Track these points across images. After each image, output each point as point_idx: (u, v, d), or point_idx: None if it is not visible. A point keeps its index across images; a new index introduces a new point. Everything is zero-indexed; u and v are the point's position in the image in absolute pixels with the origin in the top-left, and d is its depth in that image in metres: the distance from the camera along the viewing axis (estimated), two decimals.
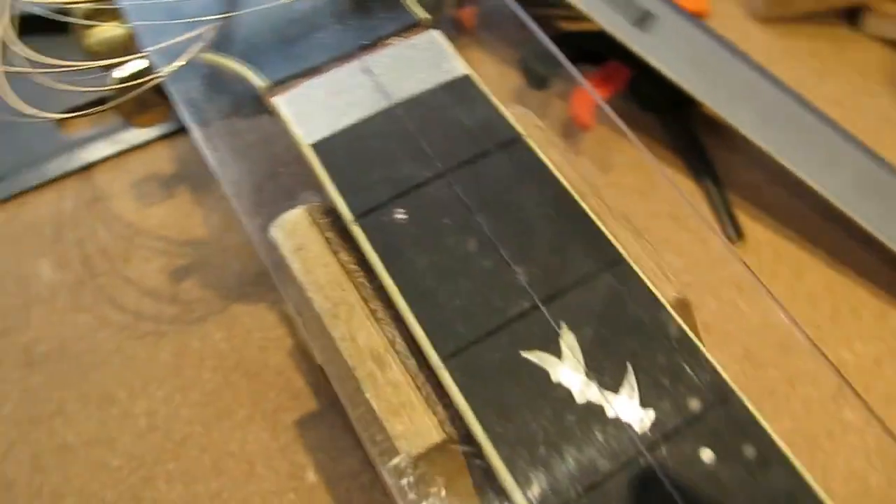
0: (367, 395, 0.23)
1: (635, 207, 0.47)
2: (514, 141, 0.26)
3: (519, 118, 0.28)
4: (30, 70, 0.29)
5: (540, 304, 0.23)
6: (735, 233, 0.46)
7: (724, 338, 0.44)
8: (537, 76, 0.46)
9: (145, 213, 0.44)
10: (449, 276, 0.23)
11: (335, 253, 0.25)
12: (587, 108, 0.46)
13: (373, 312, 0.24)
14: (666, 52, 0.44)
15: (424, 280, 0.23)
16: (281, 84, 0.27)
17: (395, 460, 0.22)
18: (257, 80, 0.27)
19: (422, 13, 0.29)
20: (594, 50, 0.48)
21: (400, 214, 0.24)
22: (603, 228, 0.24)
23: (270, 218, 0.26)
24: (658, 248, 0.46)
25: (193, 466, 0.38)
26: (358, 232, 0.24)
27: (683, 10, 0.46)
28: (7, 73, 0.30)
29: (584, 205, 0.25)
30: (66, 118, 0.33)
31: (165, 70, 0.28)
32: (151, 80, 0.28)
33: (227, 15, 0.29)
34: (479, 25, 0.52)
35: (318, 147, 0.26)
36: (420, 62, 0.28)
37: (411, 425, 0.22)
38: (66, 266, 0.42)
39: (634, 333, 0.22)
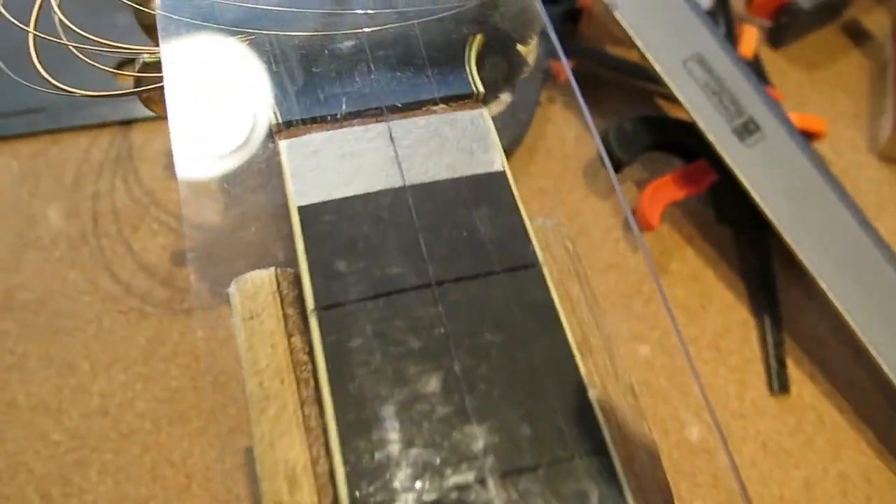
0: None
1: (678, 325, 0.42)
2: (527, 267, 0.22)
3: (547, 232, 0.24)
4: (61, 41, 0.27)
5: (489, 480, 0.19)
6: (779, 385, 0.41)
7: (728, 495, 0.40)
8: (614, 157, 0.42)
9: (168, 185, 0.42)
10: (396, 411, 0.20)
11: (289, 335, 0.22)
12: (657, 207, 0.42)
13: (305, 419, 0.21)
14: (760, 170, 0.39)
15: (366, 408, 0.20)
16: (293, 126, 0.24)
17: None
18: (270, 113, 0.24)
19: (479, 85, 0.26)
20: (685, 143, 0.43)
21: (366, 320, 0.21)
22: (596, 410, 0.21)
23: (229, 272, 0.23)
24: (688, 379, 0.42)
25: (131, 465, 0.36)
26: (314, 324, 0.21)
27: (794, 127, 0.41)
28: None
29: (582, 369, 0.21)
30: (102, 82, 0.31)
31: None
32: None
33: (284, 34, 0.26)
34: (573, 81, 0.48)
35: (307, 212, 0.22)
36: (454, 143, 0.24)
37: None
38: (75, 217, 0.41)
39: None
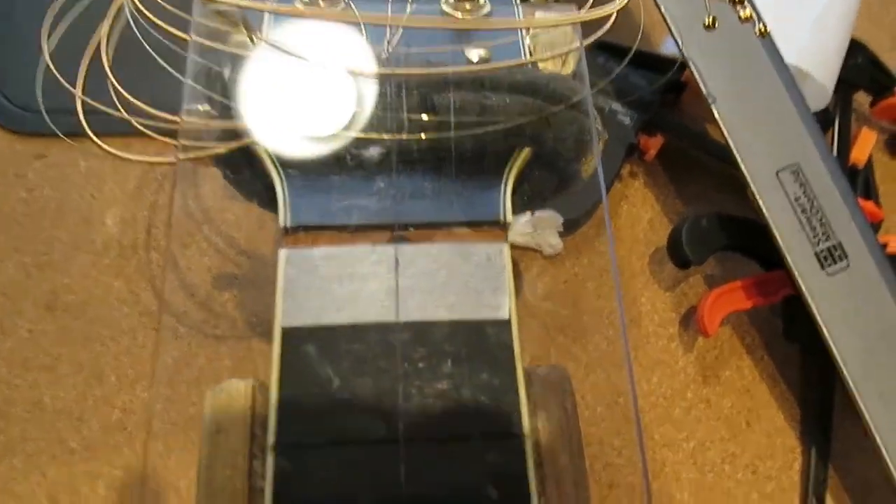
0: None
1: (715, 437, 0.40)
2: (509, 438, 0.21)
3: (547, 388, 0.22)
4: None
5: None
6: None
7: None
8: (682, 256, 0.39)
9: (225, 205, 0.42)
10: None
11: (253, 457, 0.21)
12: (718, 314, 0.39)
13: None
14: (837, 304, 0.36)
15: None
16: (301, 230, 0.23)
17: None
18: (281, 215, 0.23)
19: (509, 214, 0.24)
20: (764, 250, 0.40)
21: (323, 468, 0.20)
22: None
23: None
24: (717, 498, 0.39)
25: (138, 485, 0.37)
26: (269, 463, 0.20)
27: (887, 261, 0.37)
28: None
29: None
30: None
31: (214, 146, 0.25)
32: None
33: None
34: (659, 161, 0.45)
35: (290, 335, 0.21)
36: (462, 279, 0.23)
37: None
38: (130, 226, 0.41)
39: None
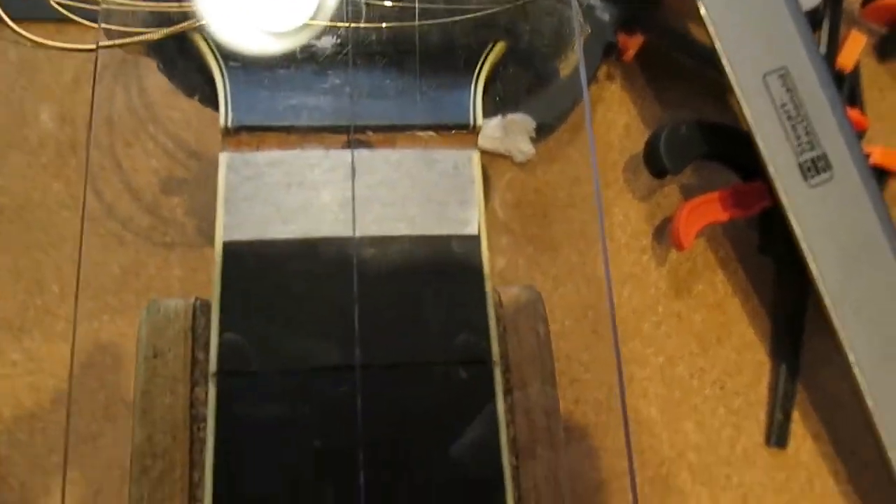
0: None
1: (684, 352, 0.39)
2: (476, 363, 0.19)
3: (519, 311, 0.21)
4: None
5: None
6: (778, 439, 0.38)
7: None
8: (659, 165, 0.37)
9: (172, 102, 0.39)
10: None
11: (194, 384, 0.19)
12: (693, 226, 0.37)
13: (192, 486, 0.19)
14: (817, 217, 0.34)
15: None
16: (244, 131, 0.20)
17: None
18: (221, 113, 0.21)
19: (479, 117, 0.21)
20: (744, 159, 0.38)
21: (269, 398, 0.18)
22: None
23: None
24: (683, 414, 0.38)
25: (85, 398, 0.35)
26: (211, 392, 0.18)
27: (871, 174, 0.35)
28: None
29: (510, 495, 0.18)
30: None
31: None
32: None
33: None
34: (638, 62, 0.43)
35: (232, 250, 0.19)
36: (427, 190, 0.20)
37: None
38: (69, 123, 0.38)
39: None
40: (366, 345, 0.19)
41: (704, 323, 0.40)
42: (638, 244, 0.40)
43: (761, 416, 0.39)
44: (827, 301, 0.34)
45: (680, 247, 0.38)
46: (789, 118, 0.35)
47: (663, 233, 0.40)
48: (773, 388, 0.39)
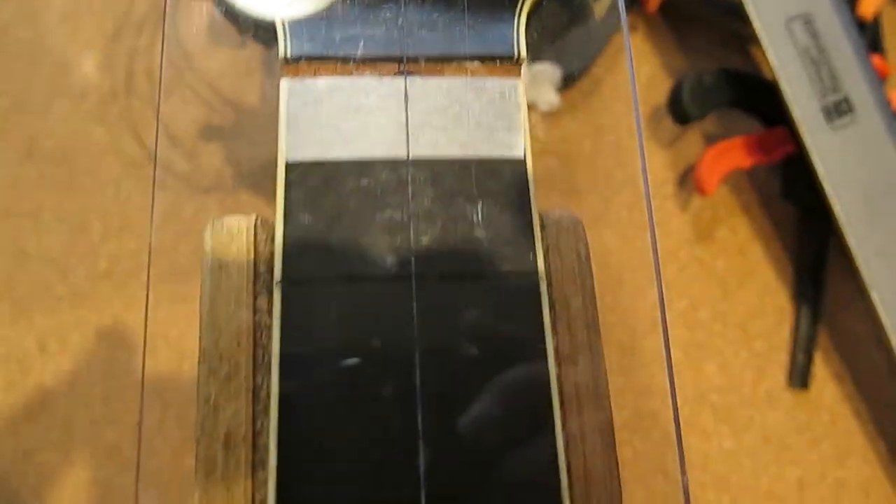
0: (196, 480, 0.19)
1: (707, 297, 0.40)
2: (523, 276, 0.20)
3: (560, 232, 0.22)
4: None
5: (422, 494, 0.18)
6: (800, 380, 0.39)
7: (716, 480, 0.39)
8: (682, 111, 0.38)
9: (210, 53, 0.40)
10: (342, 421, 0.19)
11: (256, 295, 0.21)
12: (717, 172, 0.38)
13: (255, 389, 0.20)
14: (840, 158, 0.35)
15: (312, 399, 0.19)
16: (302, 60, 0.21)
17: None
18: (281, 45, 0.22)
19: (523, 49, 0.22)
20: (767, 106, 0.39)
21: (332, 304, 0.19)
22: (560, 448, 0.19)
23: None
24: (705, 356, 0.40)
25: (127, 332, 0.36)
26: (277, 298, 0.20)
27: (894, 117, 0.36)
28: None
29: (556, 399, 0.19)
30: None
31: None
32: None
33: None
34: (661, 12, 0.43)
35: (295, 170, 0.20)
36: (475, 116, 0.21)
37: None
38: (110, 71, 0.39)
39: None
40: (420, 257, 0.20)
41: (727, 268, 0.41)
42: (661, 192, 0.41)
43: (783, 358, 0.40)
44: (851, 241, 0.35)
45: (703, 192, 0.39)
46: (813, 62, 0.35)
47: (686, 181, 0.41)
48: (795, 331, 0.40)
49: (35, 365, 0.36)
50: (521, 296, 0.20)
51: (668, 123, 0.41)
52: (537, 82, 0.40)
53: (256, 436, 0.20)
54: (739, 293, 0.41)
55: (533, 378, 0.20)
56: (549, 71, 0.40)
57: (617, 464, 0.21)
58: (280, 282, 0.20)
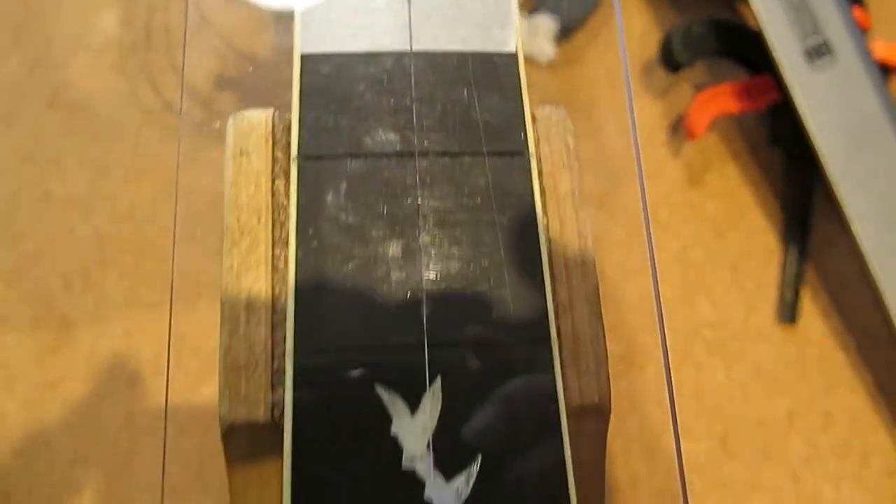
0: (220, 341, 0.21)
1: (699, 238, 0.42)
2: (515, 154, 0.22)
3: (550, 124, 0.24)
4: None
5: (425, 344, 0.20)
6: (788, 315, 0.41)
7: (708, 410, 0.40)
8: (672, 59, 0.40)
9: (226, 8, 0.42)
10: (352, 268, 0.20)
11: (274, 178, 0.23)
12: (706, 116, 0.40)
13: (274, 259, 0.22)
14: (822, 98, 0.37)
15: (326, 259, 0.21)
16: None
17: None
18: None
19: None
20: (753, 54, 0.41)
21: (343, 176, 0.21)
22: (550, 309, 0.21)
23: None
24: (694, 295, 0.41)
25: (147, 271, 0.38)
26: (294, 171, 0.22)
27: (871, 58, 0.38)
28: None
29: (546, 269, 0.21)
30: None
31: None
32: None
33: None
34: None
35: (309, 61, 0.22)
36: (472, 16, 0.23)
37: (242, 391, 0.21)
38: (129, 26, 0.42)
39: None
40: (423, 136, 0.22)
41: (717, 211, 0.43)
42: (654, 140, 0.43)
43: (773, 296, 0.42)
44: (833, 177, 0.37)
45: (692, 135, 0.41)
46: (794, 7, 0.37)
47: (678, 129, 0.43)
48: (783, 270, 0.42)
49: (60, 303, 0.38)
50: (514, 171, 0.22)
51: (661, 75, 0.43)
52: (535, 35, 0.42)
53: (276, 299, 0.22)
54: (730, 234, 0.42)
55: (526, 247, 0.21)
56: (545, 23, 0.42)
57: (603, 331, 0.22)
58: (297, 157, 0.22)
